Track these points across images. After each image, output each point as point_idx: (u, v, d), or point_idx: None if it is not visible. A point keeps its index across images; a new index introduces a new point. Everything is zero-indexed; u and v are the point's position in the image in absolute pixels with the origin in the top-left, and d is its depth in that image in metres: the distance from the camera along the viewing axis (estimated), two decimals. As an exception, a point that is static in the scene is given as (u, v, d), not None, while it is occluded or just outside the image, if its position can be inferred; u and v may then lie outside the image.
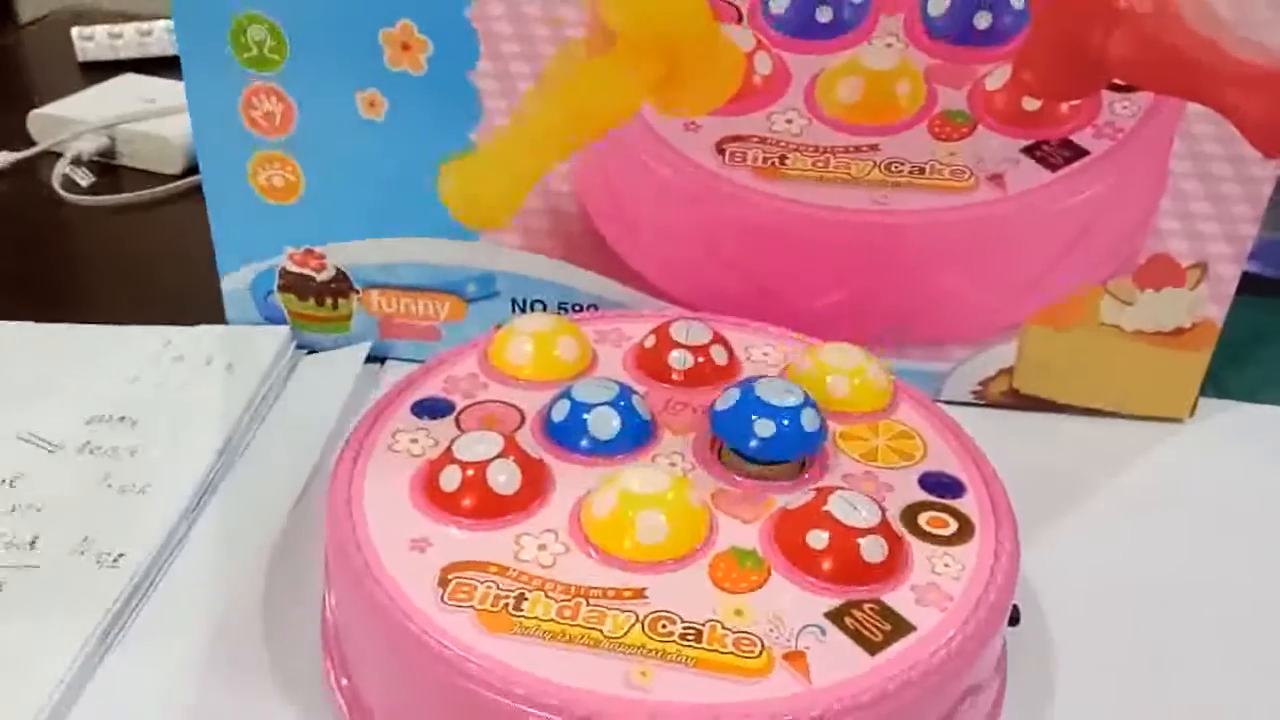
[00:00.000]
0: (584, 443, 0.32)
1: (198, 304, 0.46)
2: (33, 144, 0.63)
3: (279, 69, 0.40)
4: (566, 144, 0.41)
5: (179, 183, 0.60)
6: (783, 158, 0.41)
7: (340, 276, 0.45)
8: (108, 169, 0.63)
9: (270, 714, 0.30)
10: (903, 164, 0.41)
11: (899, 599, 0.28)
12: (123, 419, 0.40)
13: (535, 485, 0.30)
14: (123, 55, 0.77)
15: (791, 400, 0.31)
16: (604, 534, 0.28)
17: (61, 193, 0.59)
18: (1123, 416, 0.45)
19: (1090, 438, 0.45)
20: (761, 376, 0.32)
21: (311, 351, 0.46)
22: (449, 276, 0.44)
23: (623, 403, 0.32)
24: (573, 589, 0.27)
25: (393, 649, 0.26)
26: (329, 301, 0.45)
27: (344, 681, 0.29)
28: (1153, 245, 0.42)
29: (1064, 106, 0.40)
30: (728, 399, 0.32)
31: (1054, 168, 0.40)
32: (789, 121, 0.40)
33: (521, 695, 0.24)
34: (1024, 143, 0.40)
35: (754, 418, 0.31)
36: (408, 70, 0.40)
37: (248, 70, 0.41)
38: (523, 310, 0.45)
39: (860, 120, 0.40)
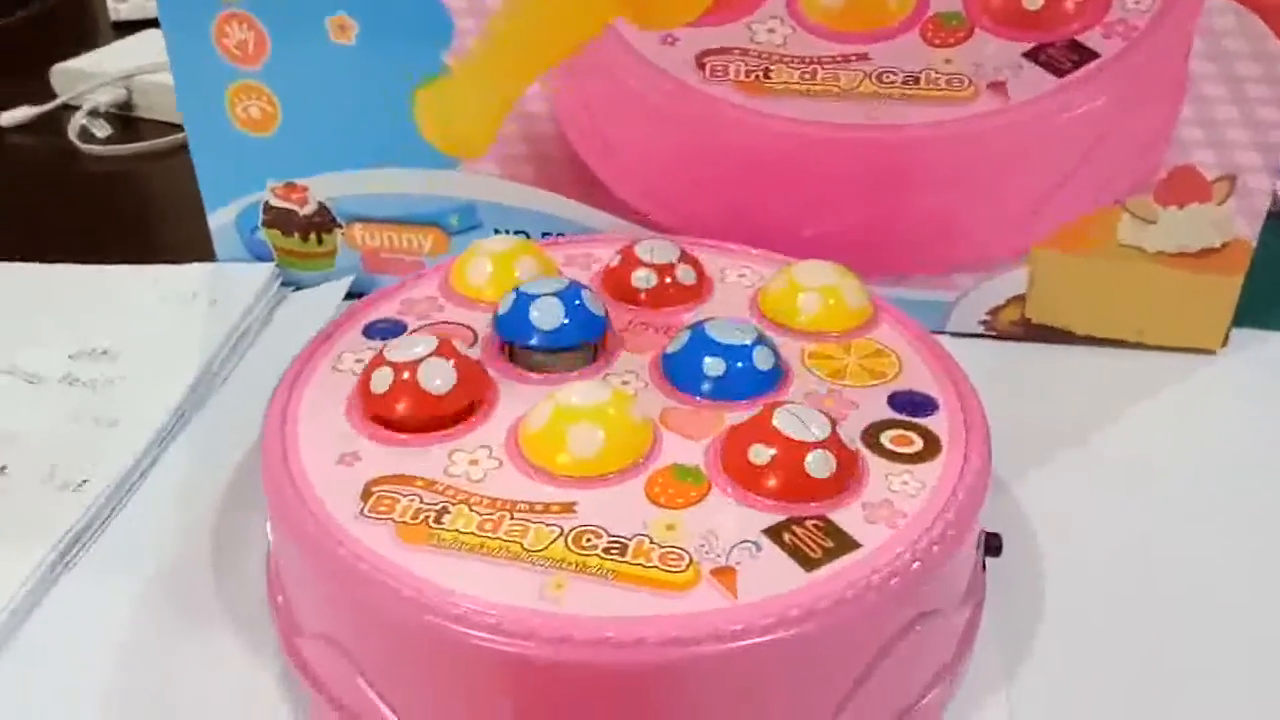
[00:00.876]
0: (528, 338, 0.30)
1: (204, 246, 0.46)
2: (55, 98, 0.64)
3: (248, -6, 0.40)
4: (539, 62, 0.40)
5: (191, 131, 0.59)
6: (767, 70, 0.39)
7: (322, 210, 0.44)
8: (126, 120, 0.63)
9: (213, 637, 0.30)
10: (895, 73, 0.38)
11: (847, 516, 0.26)
12: (104, 353, 0.40)
13: (474, 389, 0.29)
14: (153, 14, 0.78)
15: (742, 339, 0.29)
16: (537, 448, 0.27)
17: (77, 143, 0.59)
18: (1147, 348, 0.42)
19: (1110, 371, 0.42)
20: (711, 319, 0.31)
21: (299, 289, 0.46)
22: (430, 208, 0.43)
23: (572, 298, 0.31)
24: (499, 503, 0.26)
25: (311, 563, 0.25)
26: (312, 236, 0.45)
27: (279, 599, 0.28)
28: (1174, 157, 0.38)
29: (1069, 4, 0.37)
30: (678, 342, 0.30)
31: (1060, 73, 0.38)
32: (771, 31, 0.38)
33: (429, 605, 0.23)
34: (1026, 46, 0.37)
35: (705, 358, 0.29)
36: (376, -10, 0.39)
37: (217, -3, 0.40)
38: (508, 242, 0.44)
39: (847, 27, 0.38)
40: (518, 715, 0.23)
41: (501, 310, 0.31)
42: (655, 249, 0.35)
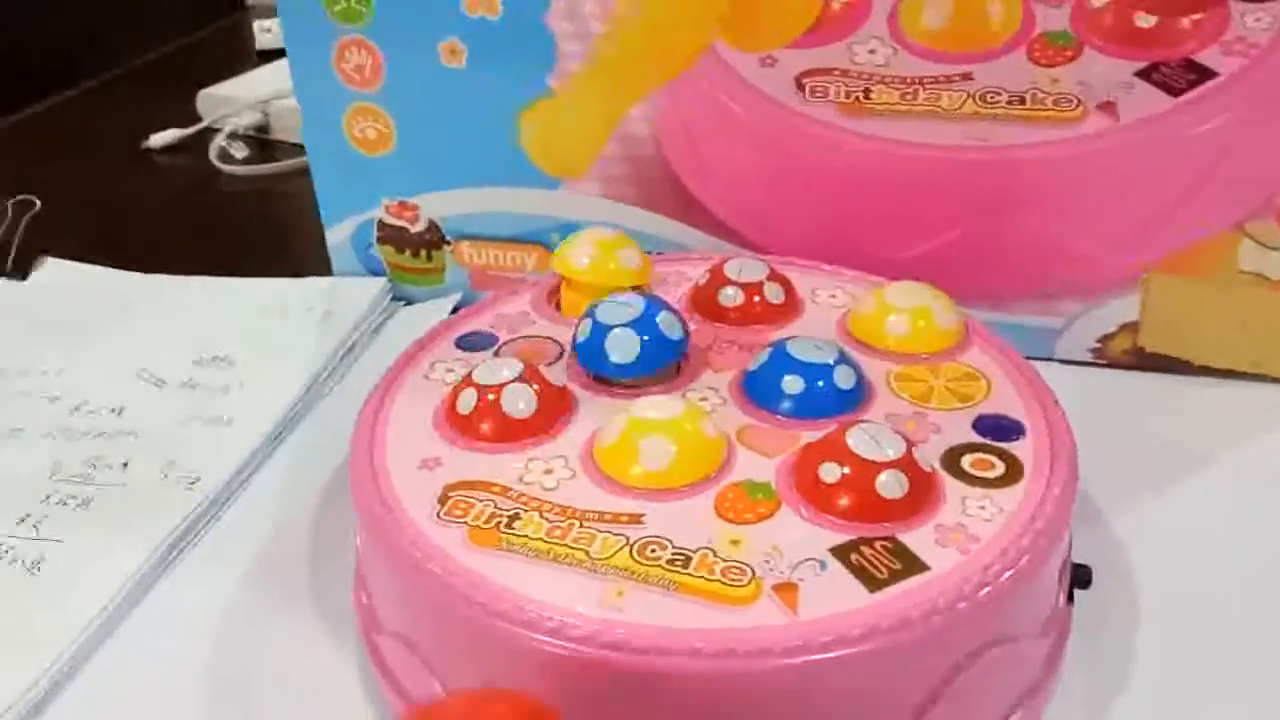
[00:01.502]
0: (603, 366, 0.31)
1: (324, 261, 0.48)
2: (200, 121, 0.68)
3: (367, 21, 0.42)
4: (640, 85, 0.41)
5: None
6: (867, 91, 0.39)
7: (432, 228, 0.46)
8: (263, 143, 0.67)
9: (303, 632, 0.31)
10: (999, 93, 0.37)
11: (918, 538, 0.25)
12: (224, 359, 0.43)
13: (554, 411, 0.29)
14: (296, 44, 0.83)
15: (823, 358, 0.29)
16: (610, 460, 0.27)
17: (217, 164, 0.63)
18: (1267, 380, 0.40)
19: (1227, 402, 0.40)
20: (794, 337, 0.30)
21: (409, 303, 0.48)
22: (533, 226, 0.45)
23: (647, 323, 0.31)
24: (569, 511, 0.26)
25: (387, 562, 0.26)
26: (423, 253, 0.46)
27: (364, 598, 0.29)
28: (1299, 179, 0.36)
29: (1185, 21, 0.35)
30: (759, 359, 0.30)
31: (1175, 92, 0.36)
32: (872, 51, 0.38)
33: (492, 607, 0.24)
34: (1138, 65, 0.36)
35: (785, 375, 0.29)
36: (485, 16, 0.40)
37: (339, 24, 0.42)
38: (608, 261, 0.44)
39: (950, 47, 0.37)
40: (575, 718, 0.24)
41: (580, 337, 0.31)
42: (744, 268, 0.35)
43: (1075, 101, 0.37)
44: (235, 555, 0.34)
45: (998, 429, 0.29)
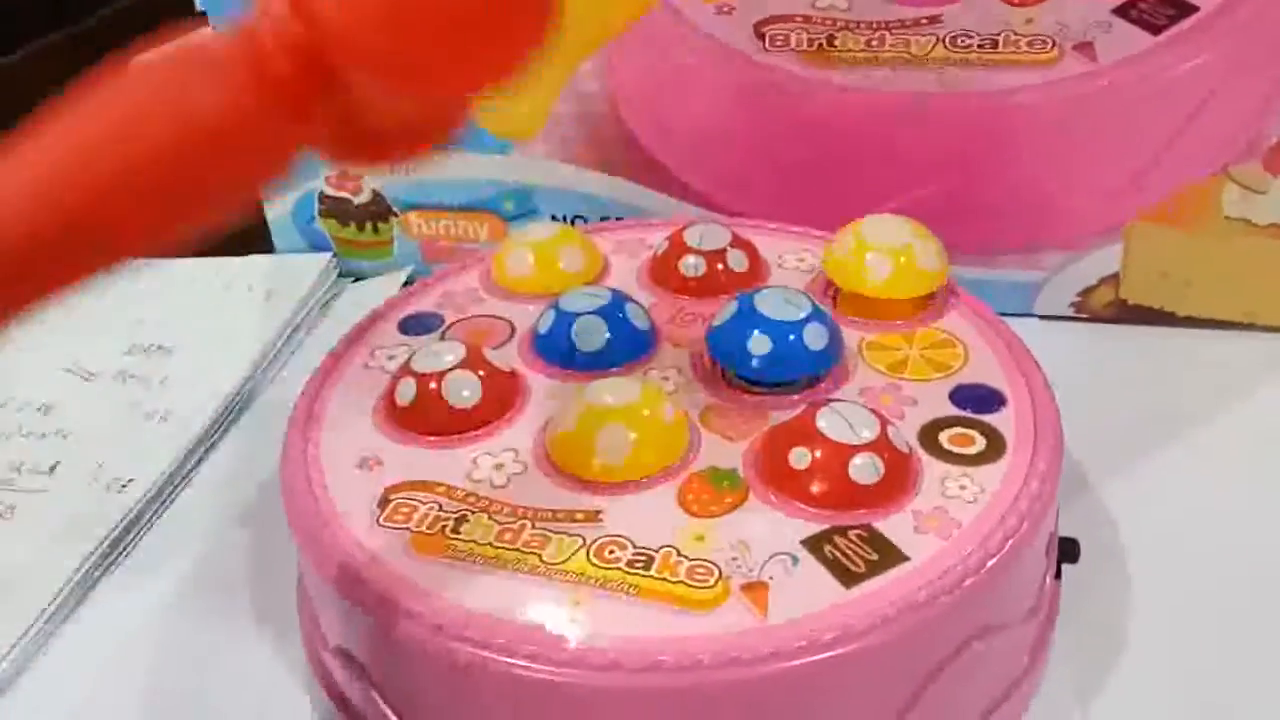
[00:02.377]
0: (571, 356, 0.29)
1: (259, 234, 0.46)
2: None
3: (293, -20, 0.39)
4: (590, 38, 0.38)
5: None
6: (831, 38, 0.36)
7: (377, 199, 0.43)
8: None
9: (245, 644, 0.29)
10: (970, 37, 0.35)
11: (895, 526, 0.23)
12: (160, 348, 0.40)
13: (502, 400, 0.27)
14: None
15: (794, 314, 0.27)
16: (565, 451, 0.25)
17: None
18: (1259, 329, 0.38)
19: (1216, 355, 0.38)
20: (765, 287, 0.28)
21: (359, 279, 0.45)
22: (485, 194, 0.42)
23: (615, 311, 0.29)
24: (520, 511, 0.24)
25: (324, 574, 0.24)
26: (369, 226, 0.44)
27: (307, 612, 0.28)
28: (1287, 119, 0.35)
29: (1164, -47, 0.33)
30: (725, 312, 0.28)
31: (1156, 29, 0.34)
32: (834, -4, 0.36)
33: (437, 622, 0.22)
34: (1116, 2, 0.34)
35: (750, 334, 0.27)
36: (419, -30, 0.38)
37: (263, -16, 0.39)
38: (564, 227, 0.42)
39: (916, -11, 0.35)
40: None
41: (541, 329, 0.29)
42: (705, 234, 0.33)
43: (1051, 43, 0.35)
44: (171, 565, 0.32)
45: (977, 400, 0.27)
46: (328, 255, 0.45)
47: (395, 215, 0.44)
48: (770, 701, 0.21)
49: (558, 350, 0.29)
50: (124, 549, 0.32)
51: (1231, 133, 0.35)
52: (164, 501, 0.34)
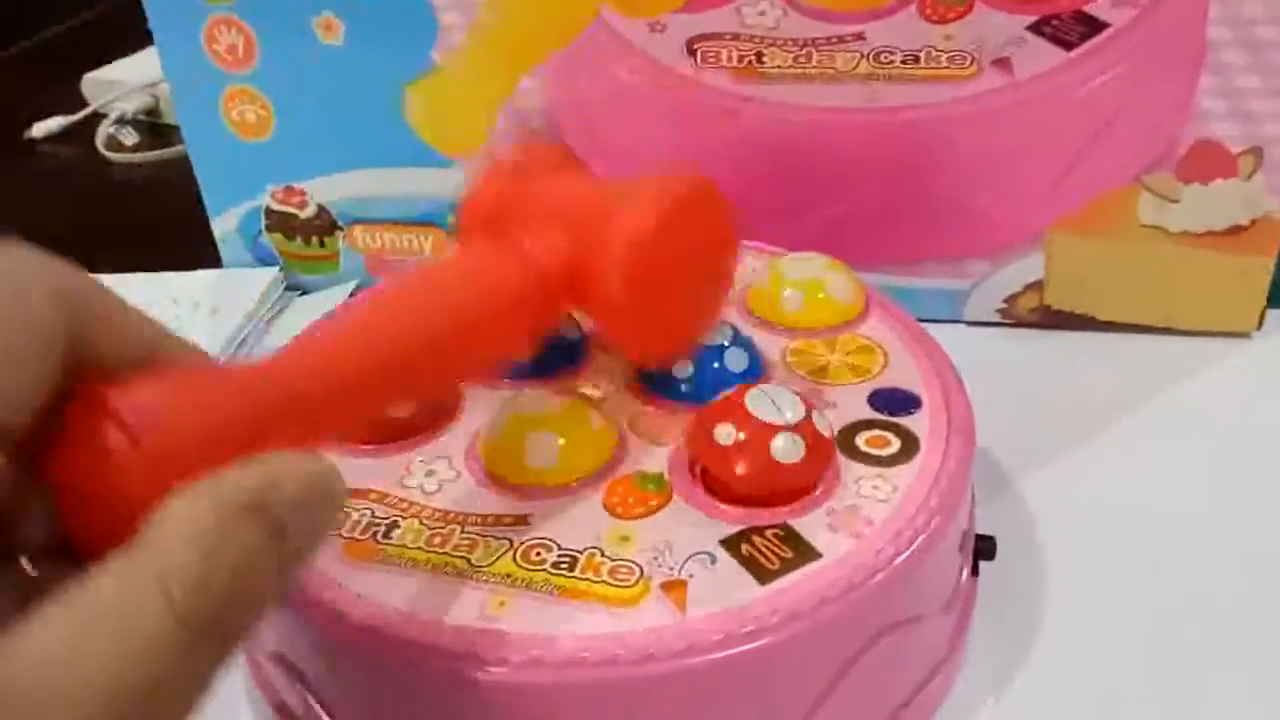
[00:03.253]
0: (508, 370, 0.30)
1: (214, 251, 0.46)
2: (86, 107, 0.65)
3: (235, -2, 0.40)
4: (528, 56, 0.39)
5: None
6: (759, 55, 0.37)
7: (322, 213, 0.44)
8: (154, 128, 0.64)
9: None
10: (893, 53, 0.36)
11: (810, 524, 0.24)
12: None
13: (437, 408, 0.28)
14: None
15: (715, 339, 0.28)
16: (494, 458, 0.26)
17: (105, 152, 0.60)
18: (1174, 332, 0.40)
19: (1136, 357, 0.39)
20: None
21: (305, 293, 0.46)
22: (428, 208, 0.43)
23: None
24: (450, 516, 0.25)
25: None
26: (315, 239, 0.45)
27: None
28: (1195, 130, 0.36)
29: (1073, -26, 0.35)
30: None
31: (1068, 45, 0.35)
32: (762, 13, 0.37)
33: (370, 625, 0.23)
34: (1030, 19, 0.35)
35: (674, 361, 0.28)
36: (359, -11, 0.38)
37: (205, 3, 0.40)
38: (507, 240, 0.43)
39: (841, 6, 0.36)
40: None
41: None
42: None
43: (969, 59, 0.36)
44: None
45: (893, 402, 0.28)
46: (273, 270, 0.45)
47: (340, 229, 0.44)
48: (689, 694, 0.22)
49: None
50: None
51: (1143, 143, 0.37)
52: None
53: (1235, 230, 0.38)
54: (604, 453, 0.26)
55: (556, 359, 0.30)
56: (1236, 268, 0.38)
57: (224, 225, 0.45)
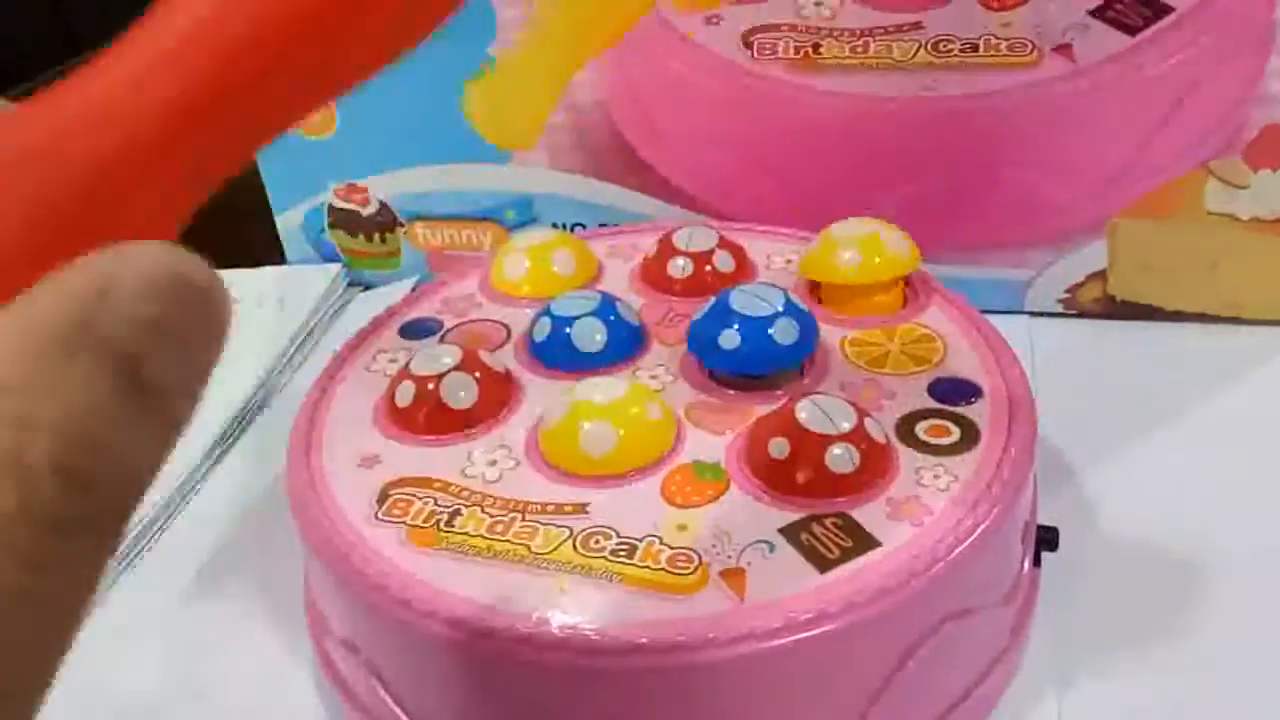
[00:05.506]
0: (568, 357, 0.30)
1: (277, 248, 0.47)
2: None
3: None
4: (584, 50, 0.39)
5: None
6: (816, 45, 0.37)
7: (384, 210, 0.45)
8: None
9: (255, 640, 0.31)
10: (952, 41, 0.36)
11: (870, 513, 0.24)
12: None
13: (497, 400, 0.28)
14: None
15: (765, 309, 0.28)
16: (554, 447, 0.27)
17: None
18: (1242, 321, 0.39)
19: (1200, 347, 0.39)
20: (746, 283, 0.30)
21: (368, 288, 0.47)
22: (487, 203, 0.43)
23: (607, 313, 0.30)
24: (511, 504, 0.26)
25: (327, 567, 0.26)
26: (376, 236, 0.45)
27: (313, 604, 0.29)
28: (1264, 115, 0.35)
29: (1138, -45, 0.34)
30: (704, 309, 0.29)
31: (1132, 30, 0.35)
32: (819, 3, 0.37)
33: (432, 610, 0.23)
34: (1093, 3, 0.35)
35: (721, 330, 0.28)
36: (418, -11, 0.39)
37: None
38: (564, 234, 0.43)
39: (898, -4, 0.36)
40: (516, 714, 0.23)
41: (537, 336, 0.30)
42: (693, 236, 0.34)
43: (1030, 46, 0.36)
44: (186, 563, 0.33)
45: (954, 392, 0.28)
46: (337, 266, 0.46)
47: (401, 226, 0.45)
48: (749, 681, 0.22)
49: (552, 353, 0.30)
50: (144, 548, 0.34)
51: (1211, 128, 0.36)
52: (180, 504, 0.35)
53: (1307, 216, 0.37)
54: (662, 442, 0.27)
55: (616, 349, 0.30)
56: (1309, 255, 0.37)
57: (289, 222, 0.46)
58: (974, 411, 0.27)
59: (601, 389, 0.27)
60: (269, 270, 0.46)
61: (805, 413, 0.25)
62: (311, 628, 0.28)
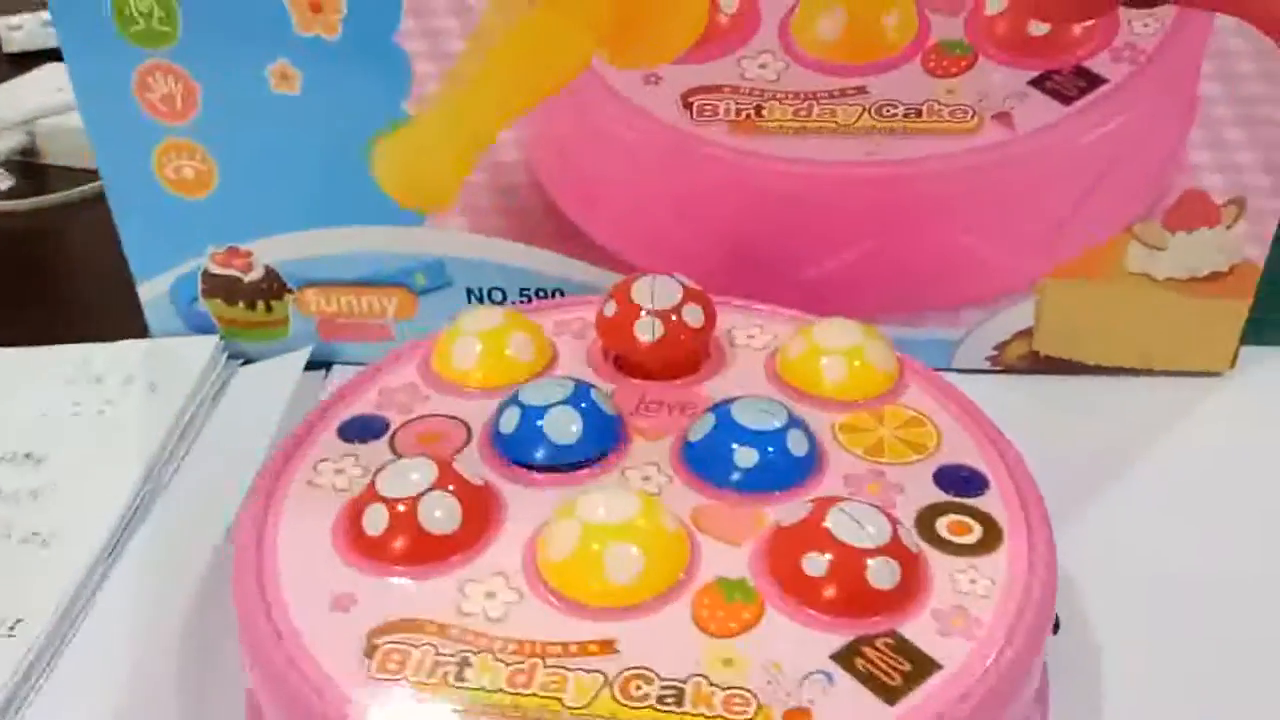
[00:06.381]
0: (540, 454, 0.27)
1: (132, 317, 0.41)
2: (-52, 148, 0.58)
3: (173, 43, 0.35)
4: (511, 107, 0.36)
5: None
6: (759, 108, 0.36)
7: (271, 275, 0.40)
8: (29, 169, 0.57)
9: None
10: (896, 106, 0.36)
11: (919, 629, 0.23)
12: (27, 456, 0.36)
13: (481, 518, 0.25)
14: (54, 43, 0.72)
15: (773, 423, 0.27)
16: (564, 576, 0.24)
17: (-24, 199, 0.54)
18: (1156, 373, 0.41)
19: (1119, 400, 0.40)
20: (736, 399, 0.28)
21: (248, 362, 0.41)
22: (393, 267, 0.40)
23: (582, 401, 0.27)
24: (527, 647, 0.22)
25: (314, 737, 0.22)
26: (260, 305, 0.41)
27: (270, 766, 0.25)
28: (1184, 181, 0.37)
29: (1076, 29, 0.34)
30: (701, 427, 0.27)
31: (1068, 100, 0.35)
32: (763, 66, 0.35)
33: (464, 792, 0.20)
34: (1032, 74, 0.35)
35: (733, 448, 0.26)
36: (321, 35, 0.35)
37: (137, 47, 0.35)
38: (480, 300, 0.40)
39: (844, 59, 0.35)
40: None
41: (504, 428, 0.27)
42: (656, 288, 0.31)
43: (971, 112, 0.35)
44: (87, 710, 0.28)
45: (960, 482, 0.27)
46: (214, 338, 0.41)
47: (290, 292, 0.40)
48: (829, 838, 0.20)
49: (522, 448, 0.27)
50: (25, 699, 0.28)
51: (1135, 194, 0.37)
52: (64, 639, 0.30)
53: (1215, 276, 0.38)
54: (681, 560, 0.24)
55: (596, 443, 0.27)
56: (1214, 311, 0.39)
57: (153, 291, 0.41)
58: (986, 504, 0.27)
59: (605, 504, 0.24)
60: (135, 344, 0.41)
61: (837, 525, 0.24)
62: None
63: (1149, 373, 0.41)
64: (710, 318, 0.31)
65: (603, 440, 0.28)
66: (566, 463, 0.27)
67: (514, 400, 0.28)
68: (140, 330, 0.42)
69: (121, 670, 0.29)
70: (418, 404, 0.30)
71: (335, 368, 0.42)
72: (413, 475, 0.25)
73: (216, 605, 0.31)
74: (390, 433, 0.29)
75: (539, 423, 0.27)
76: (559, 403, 0.27)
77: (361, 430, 0.29)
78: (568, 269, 0.39)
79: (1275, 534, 0.34)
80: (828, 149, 0.36)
